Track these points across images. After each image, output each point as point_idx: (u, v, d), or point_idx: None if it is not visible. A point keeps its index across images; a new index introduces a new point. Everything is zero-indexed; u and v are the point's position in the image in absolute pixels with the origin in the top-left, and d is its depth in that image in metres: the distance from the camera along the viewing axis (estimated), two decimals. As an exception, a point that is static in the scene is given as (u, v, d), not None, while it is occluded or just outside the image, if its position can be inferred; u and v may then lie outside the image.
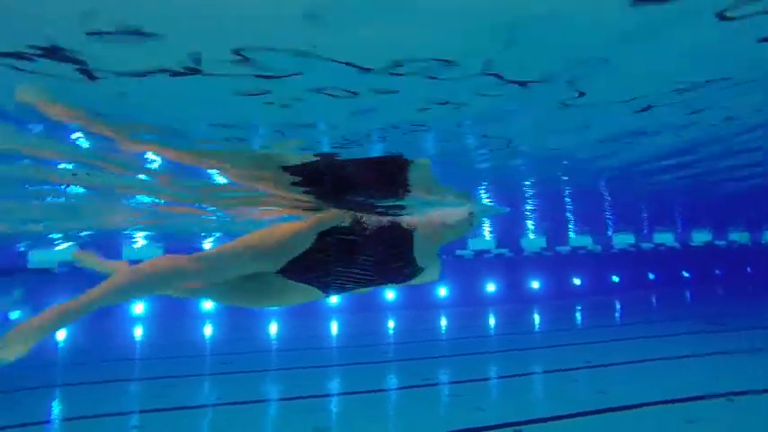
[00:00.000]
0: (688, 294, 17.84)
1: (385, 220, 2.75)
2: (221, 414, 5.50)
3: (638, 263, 18.89)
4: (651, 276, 19.73)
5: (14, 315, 13.45)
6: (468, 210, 2.83)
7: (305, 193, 3.48)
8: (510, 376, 7.11)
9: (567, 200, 7.44)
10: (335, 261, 2.64)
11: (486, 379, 6.75)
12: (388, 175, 3.46)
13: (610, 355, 7.81)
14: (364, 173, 3.27)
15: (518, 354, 8.42)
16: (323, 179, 3.29)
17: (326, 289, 2.73)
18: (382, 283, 2.79)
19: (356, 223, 2.71)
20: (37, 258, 11.57)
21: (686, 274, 20.55)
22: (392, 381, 6.81)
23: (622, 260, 18.62)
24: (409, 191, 3.86)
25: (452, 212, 2.78)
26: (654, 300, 16.65)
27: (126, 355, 9.46)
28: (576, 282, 18.10)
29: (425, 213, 2.83)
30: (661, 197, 7.53)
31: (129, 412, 5.48)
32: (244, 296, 2.67)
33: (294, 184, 3.33)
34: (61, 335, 12.54)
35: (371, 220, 2.75)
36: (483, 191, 5.98)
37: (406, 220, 2.78)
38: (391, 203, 4.00)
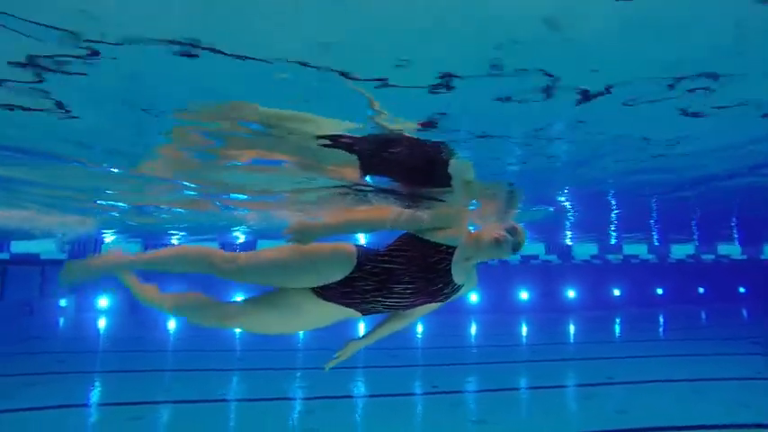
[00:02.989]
0: (744, 312, 16.62)
1: (421, 244, 2.62)
2: (233, 410, 5.62)
3: (687, 275, 17.79)
4: (701, 290, 18.58)
5: (63, 302, 14.44)
6: (507, 233, 2.56)
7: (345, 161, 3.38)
8: (523, 389, 6.86)
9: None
10: (374, 290, 2.61)
11: (495, 390, 6.51)
12: (430, 161, 3.38)
13: (638, 373, 7.38)
14: (408, 150, 3.19)
15: (538, 365, 8.10)
16: (368, 149, 3.19)
17: (364, 311, 2.71)
18: (420, 304, 2.73)
19: (393, 249, 2.64)
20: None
21: (742, 290, 19.20)
22: (401, 386, 6.66)
23: (671, 272, 17.59)
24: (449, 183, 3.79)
25: (491, 233, 2.59)
26: (702, 316, 15.64)
27: (156, 346, 9.85)
28: (617, 292, 17.30)
29: (463, 231, 2.67)
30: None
31: (133, 402, 5.68)
32: (280, 318, 2.66)
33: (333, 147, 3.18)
34: (102, 323, 13.28)
35: (407, 245, 2.64)
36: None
37: (442, 239, 2.64)
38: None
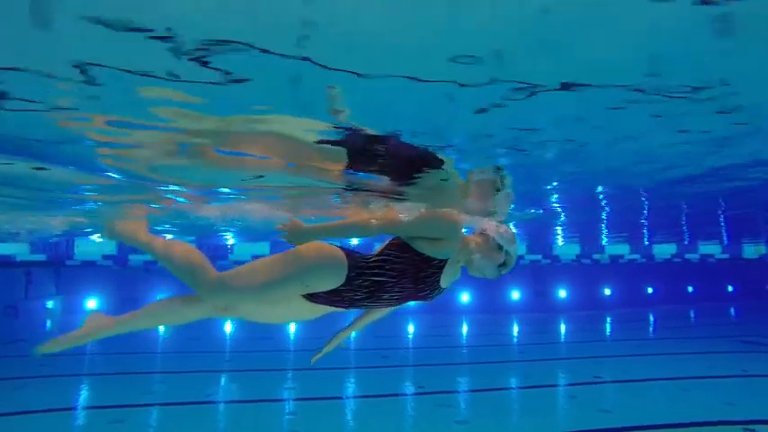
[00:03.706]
0: (732, 310, 16.75)
1: (415, 256, 2.58)
2: (217, 412, 5.56)
3: (677, 275, 17.85)
4: (690, 289, 18.69)
5: (50, 304, 14.26)
6: (497, 266, 2.64)
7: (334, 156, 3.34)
8: (509, 389, 6.85)
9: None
10: (363, 298, 2.60)
11: (482, 390, 6.49)
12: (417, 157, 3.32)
13: (625, 372, 7.41)
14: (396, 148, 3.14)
15: (525, 365, 8.11)
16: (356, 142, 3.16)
17: (351, 308, 2.72)
18: (406, 303, 2.79)
19: (384, 259, 2.58)
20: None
21: (730, 288, 19.34)
22: (387, 387, 6.61)
23: (660, 271, 17.65)
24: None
25: (481, 261, 2.66)
26: (690, 314, 15.74)
27: (141, 348, 9.72)
28: (607, 292, 17.36)
29: (458, 244, 2.64)
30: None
31: (112, 405, 5.61)
32: (270, 311, 2.64)
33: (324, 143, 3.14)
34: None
35: (399, 256, 2.60)
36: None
37: (436, 253, 2.61)
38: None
